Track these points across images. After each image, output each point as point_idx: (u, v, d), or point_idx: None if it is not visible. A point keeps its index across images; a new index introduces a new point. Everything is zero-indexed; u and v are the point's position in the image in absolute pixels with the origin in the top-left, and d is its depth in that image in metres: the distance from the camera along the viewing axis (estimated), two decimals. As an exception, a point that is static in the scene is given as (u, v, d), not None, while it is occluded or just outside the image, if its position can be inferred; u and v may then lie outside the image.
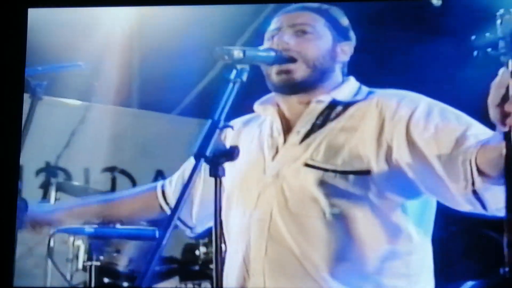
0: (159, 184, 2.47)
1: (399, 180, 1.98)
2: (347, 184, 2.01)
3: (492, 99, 1.56)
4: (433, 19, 2.83)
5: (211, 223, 2.35)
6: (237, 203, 2.16)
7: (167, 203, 2.41)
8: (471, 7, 2.54)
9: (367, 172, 1.99)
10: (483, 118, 1.63)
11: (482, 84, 1.61)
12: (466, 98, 1.99)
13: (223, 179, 2.15)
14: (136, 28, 3.66)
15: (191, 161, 2.26)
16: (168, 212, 2.39)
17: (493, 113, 1.56)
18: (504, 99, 1.52)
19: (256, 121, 2.28)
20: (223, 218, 2.18)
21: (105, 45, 3.58)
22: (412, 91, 2.09)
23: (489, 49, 1.57)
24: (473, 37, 1.61)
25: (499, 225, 1.59)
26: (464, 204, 1.87)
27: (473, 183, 1.79)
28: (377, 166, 1.98)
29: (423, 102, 2.00)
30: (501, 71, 1.55)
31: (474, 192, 1.80)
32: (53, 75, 2.70)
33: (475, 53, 1.61)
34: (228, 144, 2.20)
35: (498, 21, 1.56)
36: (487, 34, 1.59)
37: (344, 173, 2.01)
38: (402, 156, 1.95)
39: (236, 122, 2.30)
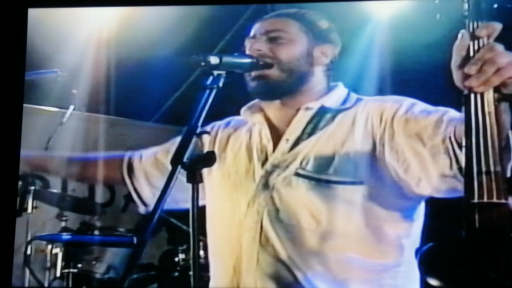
0: (126, 154, 2.44)
1: (392, 186, 1.98)
2: (340, 194, 2.01)
3: (454, 62, 1.57)
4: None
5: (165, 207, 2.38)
6: (225, 211, 2.15)
7: (130, 177, 2.40)
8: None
9: (359, 183, 1.99)
10: (450, 80, 1.63)
11: (446, 47, 1.61)
12: (431, 61, 1.99)
13: (212, 186, 2.18)
14: (113, 34, 3.65)
15: (165, 146, 2.27)
16: (129, 185, 2.40)
17: (456, 76, 1.57)
18: (465, 61, 1.53)
19: (245, 125, 2.28)
20: (210, 225, 2.19)
21: (82, 51, 3.57)
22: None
23: (452, 12, 1.58)
24: (436, 1, 1.61)
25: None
26: (452, 187, 1.84)
27: (456, 160, 1.79)
28: (370, 174, 1.99)
29: (405, 102, 2.01)
30: (461, 33, 1.55)
31: (460, 170, 1.79)
32: (30, 82, 2.69)
33: (438, 16, 1.62)
34: (216, 150, 2.21)
35: None
36: None
37: (337, 183, 2.01)
38: (392, 157, 1.95)
39: (220, 124, 2.30)
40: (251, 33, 2.18)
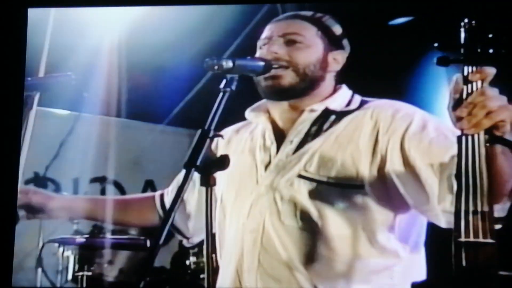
0: (157, 192, 2.46)
1: (390, 194, 1.98)
2: (339, 197, 2.01)
3: (449, 104, 1.60)
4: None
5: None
6: (231, 214, 2.15)
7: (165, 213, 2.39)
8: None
9: (360, 186, 1.99)
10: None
11: (442, 90, 1.65)
12: (430, 103, 2.02)
13: (217, 189, 2.17)
14: (125, 37, 3.65)
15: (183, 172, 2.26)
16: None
17: (450, 117, 1.61)
18: (458, 104, 1.57)
19: (247, 129, 2.28)
20: (218, 228, 2.19)
21: (93, 53, 3.58)
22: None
23: (449, 56, 1.62)
24: (435, 44, 1.65)
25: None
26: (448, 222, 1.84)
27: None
28: (370, 179, 1.98)
29: (417, 115, 2.00)
30: (455, 77, 1.59)
31: None
32: (43, 86, 2.69)
33: (434, 59, 1.65)
34: (218, 154, 2.21)
35: (462, 30, 1.62)
36: (449, 41, 1.65)
37: (337, 185, 2.01)
38: (395, 169, 1.95)
39: (227, 131, 2.30)
40: (266, 34, 2.17)
